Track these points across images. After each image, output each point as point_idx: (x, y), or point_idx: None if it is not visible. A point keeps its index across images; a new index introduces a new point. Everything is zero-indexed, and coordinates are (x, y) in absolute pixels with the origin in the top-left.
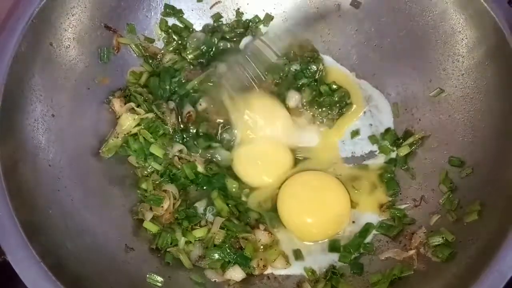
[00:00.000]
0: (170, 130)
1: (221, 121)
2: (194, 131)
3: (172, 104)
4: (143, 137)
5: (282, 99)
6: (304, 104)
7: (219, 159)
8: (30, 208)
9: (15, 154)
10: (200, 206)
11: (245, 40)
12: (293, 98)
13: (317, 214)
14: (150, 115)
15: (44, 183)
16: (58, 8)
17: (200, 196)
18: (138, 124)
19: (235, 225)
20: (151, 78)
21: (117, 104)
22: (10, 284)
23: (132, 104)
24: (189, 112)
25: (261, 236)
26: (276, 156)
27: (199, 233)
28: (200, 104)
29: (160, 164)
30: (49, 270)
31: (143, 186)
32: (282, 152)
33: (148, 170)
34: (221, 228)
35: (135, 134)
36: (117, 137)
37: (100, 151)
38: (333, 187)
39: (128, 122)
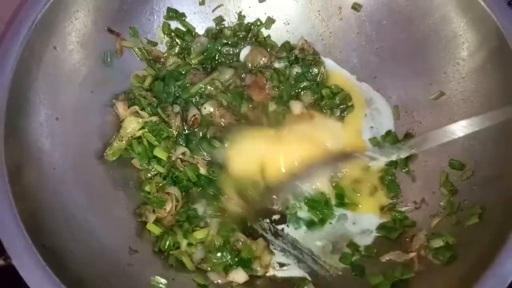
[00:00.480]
0: (175, 133)
1: (227, 123)
2: (201, 134)
3: (177, 108)
4: (147, 140)
5: (284, 103)
6: (307, 107)
7: (220, 161)
8: (34, 211)
9: (19, 157)
10: (199, 207)
11: (245, 51)
12: (297, 107)
13: None
14: (154, 118)
15: (48, 187)
16: (61, 12)
17: (201, 196)
18: (142, 127)
19: (225, 227)
20: (155, 82)
21: (121, 107)
22: (13, 287)
23: (136, 107)
24: (194, 116)
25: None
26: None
27: (199, 234)
28: (205, 108)
29: (163, 167)
30: (54, 273)
31: (147, 188)
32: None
33: (152, 172)
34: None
35: (139, 137)
36: (121, 140)
37: (104, 154)
38: None
39: (132, 125)
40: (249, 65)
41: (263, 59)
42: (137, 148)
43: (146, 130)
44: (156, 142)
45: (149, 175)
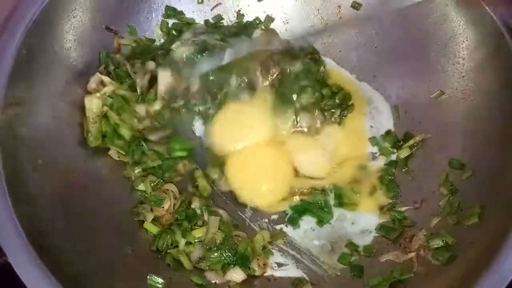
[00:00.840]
0: (138, 91)
1: None
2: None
3: (151, 65)
4: (113, 119)
5: (284, 100)
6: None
7: None
8: (31, 209)
9: (17, 156)
10: (195, 206)
11: (256, 34)
12: (304, 122)
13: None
14: (110, 88)
15: (45, 185)
16: (59, 10)
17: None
18: (105, 100)
19: (226, 224)
20: (136, 47)
21: (95, 81)
22: (11, 285)
23: (100, 75)
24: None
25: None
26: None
27: (198, 233)
28: None
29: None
30: (50, 271)
31: (141, 187)
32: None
33: (139, 169)
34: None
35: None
36: (95, 122)
37: (88, 142)
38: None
39: (93, 103)
40: (262, 43)
41: (276, 38)
42: (105, 128)
43: (110, 104)
44: (119, 121)
45: (136, 171)
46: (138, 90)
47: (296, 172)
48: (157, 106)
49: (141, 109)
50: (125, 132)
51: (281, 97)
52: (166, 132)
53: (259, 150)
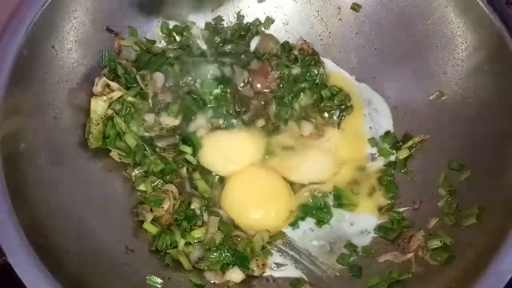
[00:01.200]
0: (151, 104)
1: None
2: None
3: (161, 78)
4: (119, 126)
5: (284, 104)
6: (307, 111)
7: None
8: (31, 210)
9: (17, 156)
10: (195, 207)
11: (255, 41)
12: (306, 129)
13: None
14: (118, 93)
15: (46, 186)
16: (60, 11)
17: None
18: (112, 105)
19: (225, 224)
20: (142, 54)
21: (100, 84)
22: (11, 285)
23: (106, 80)
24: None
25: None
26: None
27: (197, 233)
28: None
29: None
30: (50, 272)
31: (141, 187)
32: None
33: (141, 170)
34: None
35: (112, 118)
36: (97, 124)
37: (88, 143)
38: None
39: (99, 105)
40: (261, 52)
41: (275, 46)
42: (109, 131)
43: (116, 109)
44: (125, 129)
45: (137, 172)
46: (150, 102)
47: (293, 185)
48: (176, 122)
49: (150, 117)
50: (131, 141)
51: (282, 102)
52: (175, 139)
53: (252, 175)
